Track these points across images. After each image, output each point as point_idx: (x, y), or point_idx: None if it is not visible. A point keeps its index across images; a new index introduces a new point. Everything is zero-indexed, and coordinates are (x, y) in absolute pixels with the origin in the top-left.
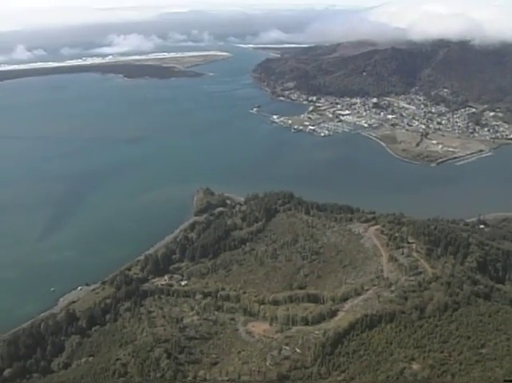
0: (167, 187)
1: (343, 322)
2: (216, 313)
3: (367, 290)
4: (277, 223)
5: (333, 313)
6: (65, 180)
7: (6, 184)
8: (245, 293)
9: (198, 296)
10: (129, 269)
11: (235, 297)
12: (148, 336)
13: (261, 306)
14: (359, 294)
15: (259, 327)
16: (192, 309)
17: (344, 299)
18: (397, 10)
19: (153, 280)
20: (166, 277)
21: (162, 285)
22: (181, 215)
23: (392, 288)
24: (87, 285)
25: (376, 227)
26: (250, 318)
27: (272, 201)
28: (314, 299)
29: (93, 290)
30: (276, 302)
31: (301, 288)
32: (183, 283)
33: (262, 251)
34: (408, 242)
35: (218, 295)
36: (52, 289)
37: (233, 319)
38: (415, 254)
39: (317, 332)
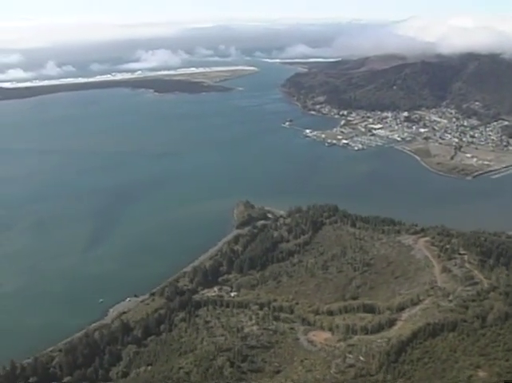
0: (205, 200)
1: (405, 331)
2: (275, 323)
3: (423, 300)
4: (324, 236)
5: (392, 323)
6: (103, 194)
7: (46, 198)
8: (297, 304)
9: (254, 306)
10: (177, 280)
11: (288, 307)
12: (209, 345)
13: (317, 316)
14: (415, 304)
15: (320, 336)
16: (251, 319)
17: (401, 309)
18: (424, 24)
19: (202, 291)
20: (215, 288)
21: (212, 296)
22: (222, 227)
23: (450, 298)
24: (135, 296)
25: (425, 238)
26: (309, 328)
27: (317, 214)
28: (370, 309)
29: (142, 301)
30: (330, 313)
31: (353, 299)
32: (232, 295)
33: (312, 263)
34: (460, 254)
35: (271, 306)
36: (100, 300)
37: (292, 329)
38: (467, 265)
39: (379, 340)
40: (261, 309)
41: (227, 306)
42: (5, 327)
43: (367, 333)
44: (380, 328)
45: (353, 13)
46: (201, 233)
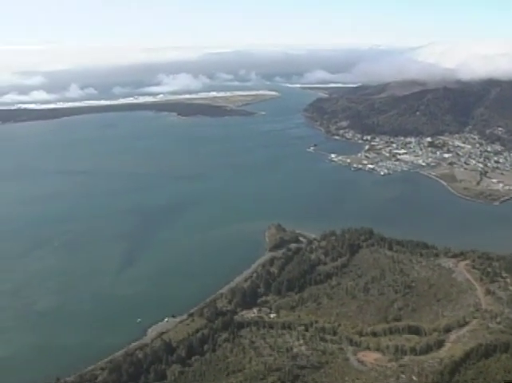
0: (235, 223)
1: (456, 352)
2: (322, 343)
3: (469, 322)
4: (362, 259)
5: (440, 344)
6: (132, 215)
7: (75, 218)
8: (340, 325)
9: (300, 327)
10: (214, 302)
11: (331, 329)
12: (258, 365)
13: (362, 337)
14: (462, 326)
15: (370, 356)
16: (298, 339)
17: (447, 331)
18: (444, 51)
19: (241, 313)
20: (254, 310)
21: (253, 317)
22: (254, 250)
23: (498, 319)
24: (173, 316)
25: (465, 261)
26: (357, 348)
27: (354, 237)
28: (415, 331)
29: (181, 321)
30: (374, 334)
31: (396, 320)
32: (272, 316)
33: (352, 285)
34: (502, 277)
35: (314, 327)
36: (138, 320)
37: (341, 349)
38: (511, 287)
39: (430, 361)
40: (306, 330)
41: (271, 327)
42: (43, 344)
43: (416, 354)
44: (428, 349)
45: (372, 39)
46: (233, 255)
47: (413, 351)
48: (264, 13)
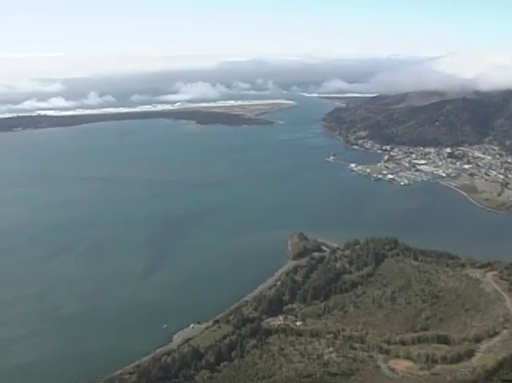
0: (257, 231)
1: (488, 361)
2: (353, 351)
3: (499, 332)
4: (387, 268)
5: (471, 354)
6: (154, 222)
7: (98, 224)
8: (367, 333)
9: (329, 335)
10: (239, 309)
11: (358, 337)
12: (289, 371)
13: (391, 346)
14: (492, 336)
15: (401, 364)
16: (328, 346)
17: (477, 340)
18: (462, 61)
19: (267, 320)
20: (280, 317)
21: (279, 325)
22: (277, 258)
23: None
24: (198, 323)
25: (493, 272)
26: (388, 356)
27: (379, 246)
28: (444, 340)
29: (207, 328)
30: (403, 342)
31: (424, 330)
32: (298, 324)
33: (379, 294)
34: None
35: (341, 335)
36: (164, 325)
37: (371, 356)
38: None
39: (462, 370)
40: (335, 337)
41: (299, 334)
42: (70, 349)
43: (447, 363)
44: (459, 358)
45: (389, 49)
46: (256, 263)
47: (444, 360)
48: (279, 22)
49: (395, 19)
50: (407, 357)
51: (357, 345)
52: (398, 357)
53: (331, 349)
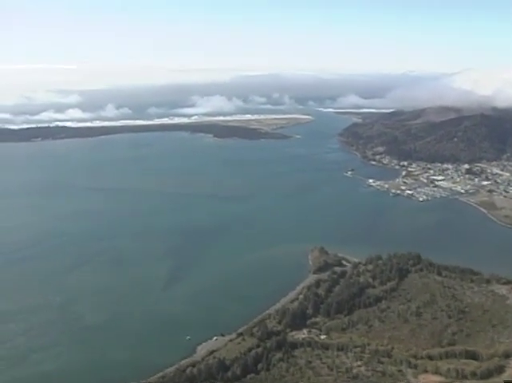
0: (277, 245)
1: None
2: (381, 365)
3: None
4: (411, 283)
5: (501, 369)
6: (175, 234)
7: (118, 235)
8: (393, 348)
9: (356, 349)
10: (263, 321)
11: (385, 351)
12: None
13: (419, 361)
14: None
15: (431, 379)
16: (356, 360)
17: (506, 356)
18: (480, 77)
19: (291, 333)
20: (304, 331)
21: (303, 338)
22: (298, 272)
23: None
24: (222, 335)
25: None
26: (416, 371)
27: (402, 261)
28: (472, 356)
29: (231, 340)
30: (430, 357)
31: (450, 345)
32: (322, 337)
33: (404, 309)
34: None
35: (367, 349)
36: (188, 337)
37: (400, 371)
38: None
39: None
40: (362, 351)
41: (325, 348)
42: (93, 359)
43: (478, 379)
44: (489, 374)
45: (404, 65)
46: (277, 276)
47: (474, 375)
48: (295, 36)
49: (410, 35)
50: (436, 372)
51: (385, 360)
52: (426, 371)
53: (359, 362)
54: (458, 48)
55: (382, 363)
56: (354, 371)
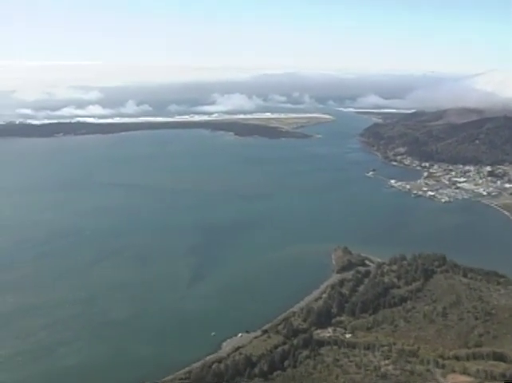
0: (299, 243)
1: None
2: (409, 364)
3: None
4: (436, 284)
5: None
6: (197, 231)
7: (140, 231)
8: (419, 348)
9: (384, 348)
10: (287, 319)
11: (411, 351)
12: (347, 382)
13: (446, 361)
14: None
15: (459, 379)
16: (384, 359)
17: None
18: (503, 79)
19: (316, 331)
20: (329, 329)
21: (329, 336)
22: (321, 271)
23: None
24: (247, 332)
25: None
26: (444, 371)
27: (428, 262)
28: (500, 357)
29: (256, 337)
30: (457, 358)
31: (477, 346)
32: (347, 336)
33: (430, 309)
34: None
35: (393, 349)
36: (212, 333)
37: (428, 370)
38: None
39: None
40: (389, 350)
41: (351, 347)
42: (117, 354)
43: (506, 380)
44: None
45: (424, 65)
46: (300, 275)
47: (503, 377)
48: (315, 36)
49: (432, 36)
50: (464, 373)
51: (412, 359)
52: (454, 372)
53: (386, 361)
54: (481, 48)
55: (410, 362)
56: (382, 370)
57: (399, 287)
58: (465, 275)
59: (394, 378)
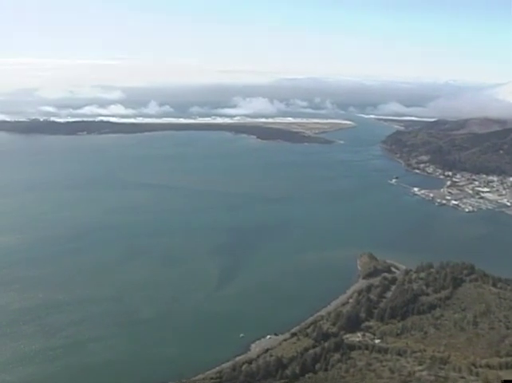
0: (324, 248)
1: None
2: (442, 370)
3: None
4: (465, 293)
5: None
6: (223, 233)
7: (168, 231)
8: (449, 355)
9: (417, 354)
10: (316, 323)
11: (442, 358)
12: None
13: (479, 369)
14: None
15: None
16: (419, 364)
17: None
18: None
19: (345, 336)
20: (359, 334)
21: (360, 341)
22: (347, 276)
23: None
24: (275, 334)
25: None
26: (477, 378)
27: (456, 271)
28: None
29: (284, 340)
30: (489, 367)
31: (509, 356)
32: (376, 341)
33: (460, 318)
34: None
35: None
36: (241, 335)
37: (463, 377)
38: None
39: None
40: (422, 356)
41: (383, 352)
42: (146, 352)
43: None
44: None
45: (447, 73)
46: (326, 279)
47: None
48: (337, 41)
49: (455, 45)
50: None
51: (443, 366)
52: (488, 381)
53: (420, 367)
54: (504, 59)
55: (442, 369)
56: (416, 375)
57: (427, 295)
58: (494, 285)
59: None
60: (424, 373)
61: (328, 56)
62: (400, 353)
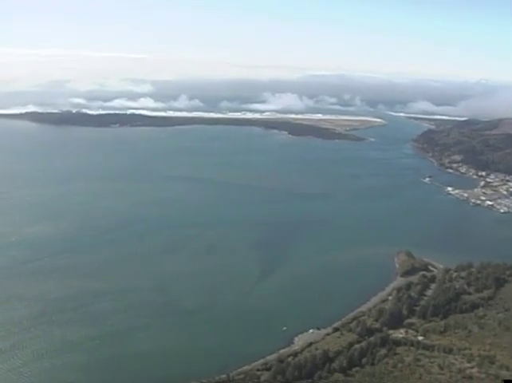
0: (360, 245)
1: None
2: (492, 369)
3: None
4: (508, 293)
5: None
6: (259, 227)
7: (205, 224)
8: (496, 354)
9: (465, 351)
10: (358, 318)
11: (486, 357)
12: (432, 381)
13: None
14: None
15: None
16: (469, 361)
17: None
18: None
19: (388, 332)
20: (402, 330)
21: (404, 337)
22: (384, 273)
23: None
24: (318, 329)
25: None
26: None
27: (499, 271)
28: None
29: (327, 334)
30: None
31: None
32: (419, 338)
33: (505, 317)
34: None
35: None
36: (284, 328)
37: None
38: None
39: None
40: (471, 354)
41: (432, 349)
42: (189, 343)
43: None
44: None
45: (479, 72)
46: (364, 276)
47: None
48: (366, 37)
49: (488, 43)
50: None
51: (493, 365)
52: None
53: (469, 364)
54: None
55: (491, 367)
56: (467, 372)
57: (469, 294)
58: None
59: (481, 381)
60: (474, 370)
61: (356, 52)
62: (446, 351)
